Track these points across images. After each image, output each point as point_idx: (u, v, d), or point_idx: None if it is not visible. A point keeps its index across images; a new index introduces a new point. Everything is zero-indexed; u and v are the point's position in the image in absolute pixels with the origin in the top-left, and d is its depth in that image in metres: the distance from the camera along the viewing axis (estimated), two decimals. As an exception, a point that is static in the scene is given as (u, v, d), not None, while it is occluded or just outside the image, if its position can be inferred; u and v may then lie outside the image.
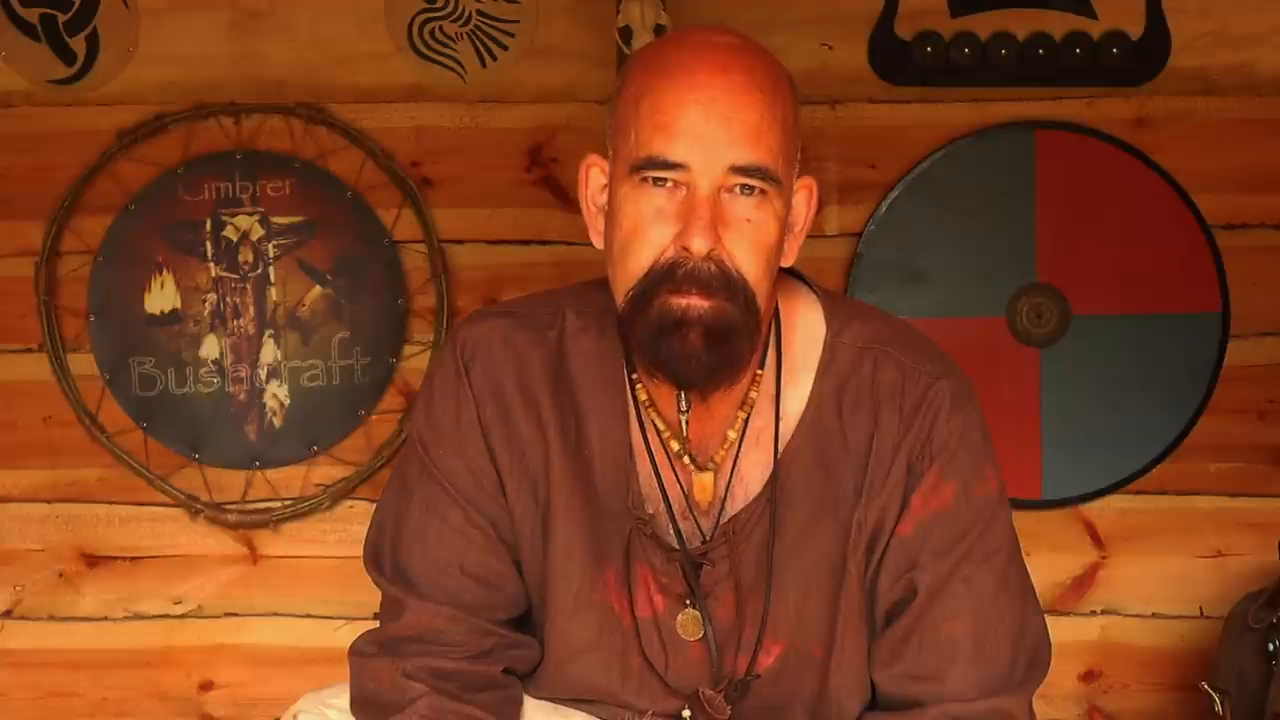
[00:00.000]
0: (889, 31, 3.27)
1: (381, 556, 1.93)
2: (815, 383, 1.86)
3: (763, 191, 1.73)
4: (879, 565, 1.85)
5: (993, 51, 3.27)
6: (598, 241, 1.83)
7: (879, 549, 1.85)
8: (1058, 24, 3.27)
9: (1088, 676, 3.39)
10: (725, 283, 1.72)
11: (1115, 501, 3.36)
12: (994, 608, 1.84)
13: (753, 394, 1.85)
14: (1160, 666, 3.39)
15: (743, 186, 1.72)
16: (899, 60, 3.28)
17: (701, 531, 1.87)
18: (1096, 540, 3.37)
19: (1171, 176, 3.29)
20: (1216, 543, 3.37)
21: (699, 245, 1.69)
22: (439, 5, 3.27)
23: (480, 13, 3.27)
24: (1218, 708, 2.97)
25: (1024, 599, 1.89)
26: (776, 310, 1.87)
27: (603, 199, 1.81)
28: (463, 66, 3.29)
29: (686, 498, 1.87)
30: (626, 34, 3.04)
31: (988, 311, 3.30)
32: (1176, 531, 3.37)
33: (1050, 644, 1.91)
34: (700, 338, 1.73)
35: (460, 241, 3.32)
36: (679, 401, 1.82)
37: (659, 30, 3.02)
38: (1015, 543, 1.89)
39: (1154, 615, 3.39)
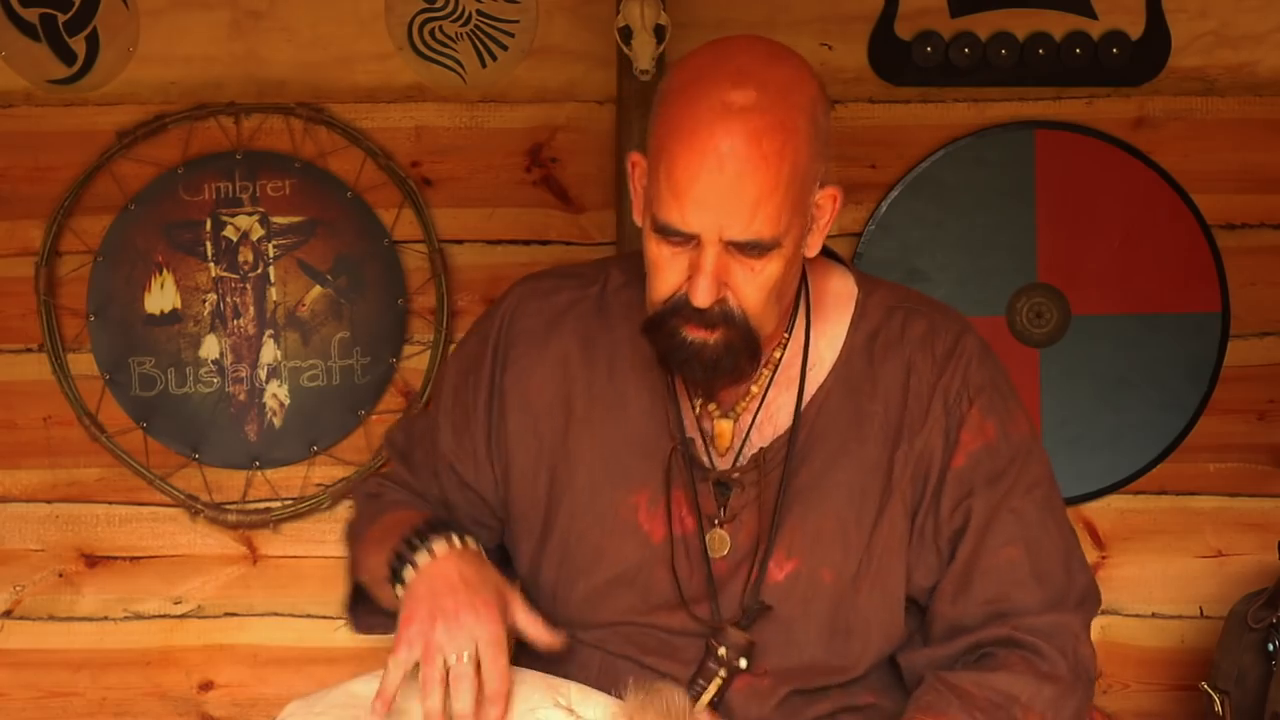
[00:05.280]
0: (889, 31, 3.27)
1: (395, 442, 2.18)
2: (848, 334, 2.01)
3: (766, 248, 1.84)
4: (936, 499, 1.96)
5: (993, 51, 3.26)
6: (639, 221, 1.94)
7: (931, 484, 1.96)
8: (1058, 24, 3.26)
9: (1088, 676, 3.39)
10: (726, 320, 1.86)
11: (1115, 501, 3.36)
12: (1043, 531, 1.97)
13: (777, 354, 1.98)
14: (1160, 666, 3.39)
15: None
16: (899, 60, 3.28)
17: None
18: (1096, 540, 3.37)
19: (1171, 176, 3.29)
20: (1216, 543, 3.37)
21: (702, 300, 1.84)
22: (439, 5, 3.26)
23: (480, 13, 3.27)
24: (1218, 708, 2.97)
25: (1067, 527, 2.02)
26: (805, 278, 2.00)
27: (643, 186, 1.92)
28: (463, 66, 3.28)
29: (706, 441, 1.99)
30: (626, 34, 3.04)
31: (988, 311, 3.29)
32: (1176, 531, 3.37)
33: (1095, 581, 2.02)
34: (702, 369, 1.89)
35: (460, 241, 3.32)
36: (690, 398, 2.00)
37: (659, 30, 3.02)
38: (1053, 477, 2.02)
39: (1154, 615, 3.39)
